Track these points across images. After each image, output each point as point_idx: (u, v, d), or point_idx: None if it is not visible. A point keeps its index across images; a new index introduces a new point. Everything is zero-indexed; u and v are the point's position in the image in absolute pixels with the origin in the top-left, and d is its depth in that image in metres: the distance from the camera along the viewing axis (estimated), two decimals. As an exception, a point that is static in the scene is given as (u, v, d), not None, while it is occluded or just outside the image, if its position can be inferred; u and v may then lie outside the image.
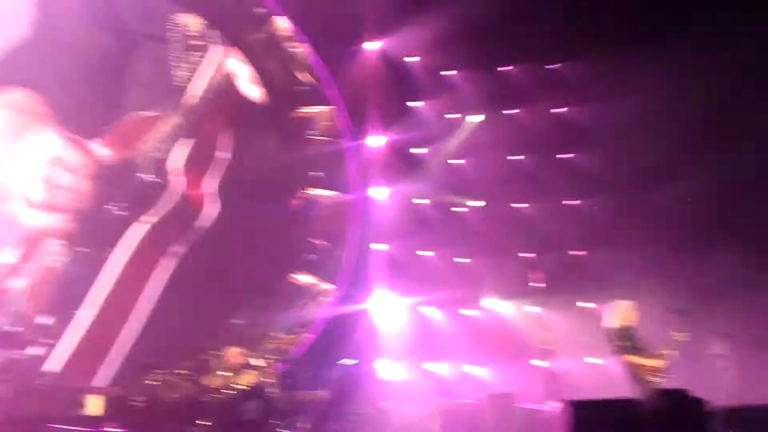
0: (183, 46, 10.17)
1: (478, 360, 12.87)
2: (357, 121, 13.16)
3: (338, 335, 11.36)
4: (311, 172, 13.23)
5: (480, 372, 12.85)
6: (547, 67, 14.21)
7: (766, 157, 10.99)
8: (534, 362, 11.86)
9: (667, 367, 8.05)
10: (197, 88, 10.18)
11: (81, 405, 8.07)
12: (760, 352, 9.80)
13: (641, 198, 13.04)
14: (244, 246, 11.71)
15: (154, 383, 8.12)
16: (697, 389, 6.20)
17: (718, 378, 7.69)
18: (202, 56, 10.42)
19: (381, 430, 8.37)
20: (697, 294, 10.33)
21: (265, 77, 11.78)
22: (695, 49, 11.04)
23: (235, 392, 8.25)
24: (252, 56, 11.23)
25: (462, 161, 14.19)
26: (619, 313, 8.46)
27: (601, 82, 12.98)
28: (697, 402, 6.00)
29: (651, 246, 12.38)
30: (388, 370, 10.98)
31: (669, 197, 12.34)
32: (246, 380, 8.47)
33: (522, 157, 14.38)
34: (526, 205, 14.31)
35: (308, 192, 13.20)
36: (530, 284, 11.54)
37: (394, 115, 13.74)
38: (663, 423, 5.55)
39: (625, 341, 8.22)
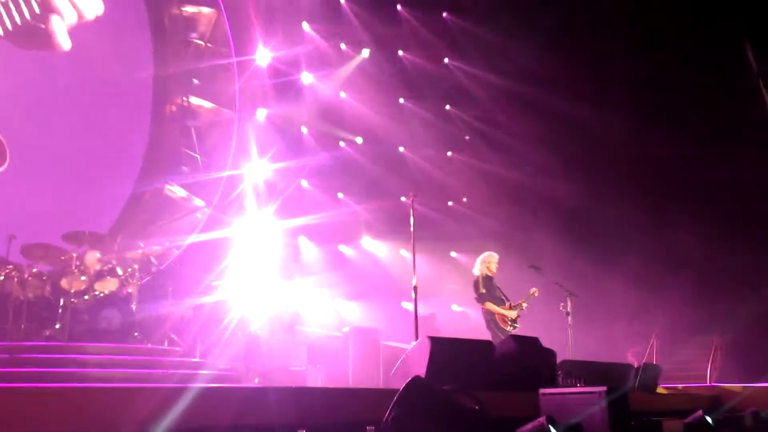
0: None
1: (349, 295, 13.02)
2: (241, 35, 12.47)
3: (208, 254, 11.03)
4: (192, 79, 12.55)
5: (350, 307, 13.01)
6: (444, 16, 14.32)
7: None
8: (404, 304, 12.27)
9: (520, 317, 8.64)
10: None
11: None
12: (603, 315, 10.82)
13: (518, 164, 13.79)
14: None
15: (4, 279, 7.56)
16: (547, 340, 6.72)
17: (565, 333, 8.35)
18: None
19: (250, 354, 8.34)
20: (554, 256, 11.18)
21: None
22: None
23: (94, 298, 7.87)
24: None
25: (345, 96, 13.94)
26: (484, 264, 8.88)
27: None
28: (546, 351, 6.49)
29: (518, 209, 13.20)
30: (257, 295, 10.85)
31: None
32: (107, 287, 8.09)
33: (409, 102, 14.51)
34: (401, 149, 14.48)
35: (187, 100, 12.53)
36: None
37: (282, 36, 13.02)
38: (513, 364, 5.95)
39: (487, 290, 8.68)
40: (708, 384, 9.02)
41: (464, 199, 14.74)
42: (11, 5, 9.61)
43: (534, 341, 6.47)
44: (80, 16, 10.52)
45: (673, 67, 11.42)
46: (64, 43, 10.31)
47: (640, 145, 11.90)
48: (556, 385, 6.26)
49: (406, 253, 13.29)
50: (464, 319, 12.33)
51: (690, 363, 10.58)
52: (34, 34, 9.97)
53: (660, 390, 7.86)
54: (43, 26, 10.00)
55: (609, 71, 12.45)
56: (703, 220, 10.85)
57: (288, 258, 12.14)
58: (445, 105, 14.87)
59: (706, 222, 10.82)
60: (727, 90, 11.24)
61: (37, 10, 9.92)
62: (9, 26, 9.63)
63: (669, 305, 10.64)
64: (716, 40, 10.98)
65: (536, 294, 8.77)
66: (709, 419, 5.71)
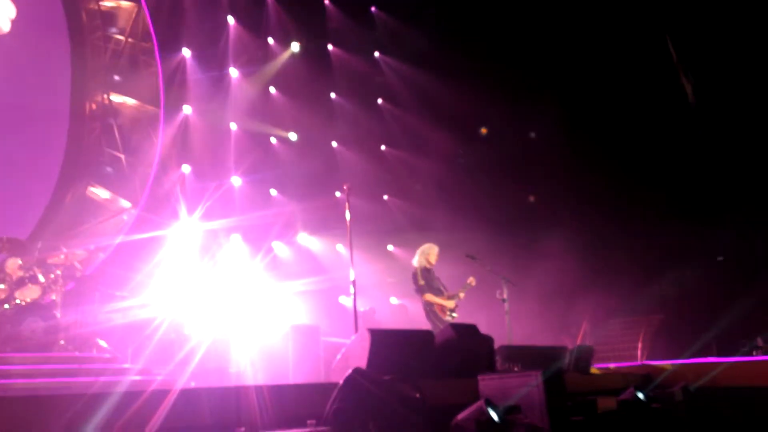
0: None
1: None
2: (164, 29, 12.06)
3: (136, 256, 10.63)
4: (113, 76, 12.06)
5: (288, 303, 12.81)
6: (372, 10, 14.34)
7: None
8: (342, 299, 12.19)
9: (458, 307, 8.71)
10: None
11: None
12: (538, 300, 11.07)
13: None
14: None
15: None
16: (485, 328, 6.79)
17: (502, 319, 8.49)
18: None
19: (179, 353, 8.07)
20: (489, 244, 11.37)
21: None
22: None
23: (16, 307, 7.44)
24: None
25: (275, 91, 13.74)
26: (423, 255, 8.91)
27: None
28: (484, 337, 6.56)
29: (456, 200, 13.36)
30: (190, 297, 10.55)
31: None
32: (28, 294, 7.67)
33: (340, 97, 14.44)
34: (335, 144, 14.41)
35: (108, 98, 12.03)
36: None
37: (207, 31, 12.72)
38: (453, 352, 5.99)
39: (426, 281, 8.72)
40: (639, 362, 9.35)
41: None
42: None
43: (472, 329, 6.52)
44: None
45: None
46: None
47: (557, 126, 12.27)
48: (494, 371, 6.33)
49: (342, 249, 13.22)
50: (403, 311, 12.37)
51: (621, 343, 10.96)
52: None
53: (593, 370, 8.09)
54: None
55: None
56: (629, 201, 11.26)
57: (222, 257, 11.84)
58: (377, 99, 14.88)
59: (632, 202, 11.23)
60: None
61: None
62: None
63: (599, 287, 10.99)
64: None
65: (473, 283, 8.87)
66: (640, 395, 5.91)
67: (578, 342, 10.25)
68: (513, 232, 12.06)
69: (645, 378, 7.49)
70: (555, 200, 12.18)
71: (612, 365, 8.85)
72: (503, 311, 8.52)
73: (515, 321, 8.63)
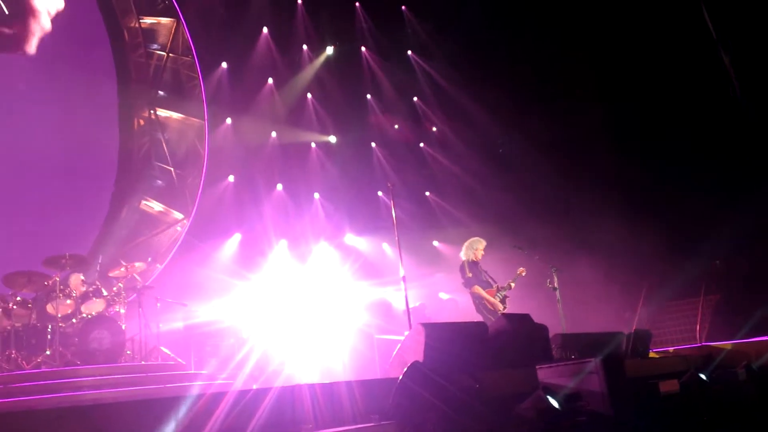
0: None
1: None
2: (203, 43, 12.38)
3: (191, 265, 10.95)
4: (157, 91, 12.42)
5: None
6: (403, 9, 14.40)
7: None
8: (389, 296, 12.26)
9: (507, 298, 8.71)
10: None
11: None
12: (586, 287, 10.96)
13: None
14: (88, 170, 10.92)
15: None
16: (538, 317, 6.79)
17: (554, 308, 8.45)
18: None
19: (238, 357, 8.30)
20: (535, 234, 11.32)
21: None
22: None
23: (82, 320, 7.77)
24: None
25: (311, 96, 13.92)
26: (470, 249, 8.94)
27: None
28: (538, 326, 6.56)
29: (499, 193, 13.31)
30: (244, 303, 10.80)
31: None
32: (93, 308, 8.00)
33: (376, 97, 14.53)
34: (374, 145, 14.52)
35: (155, 113, 12.39)
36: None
37: (243, 43, 13.01)
38: (507, 343, 6.01)
39: (473, 274, 8.75)
40: (698, 344, 9.19)
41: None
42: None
43: (525, 318, 6.53)
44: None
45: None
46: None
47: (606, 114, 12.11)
48: (551, 360, 6.32)
49: (388, 248, 13.33)
50: (453, 305, 12.38)
51: (679, 326, 10.77)
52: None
53: (652, 355, 7.99)
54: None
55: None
56: (678, 183, 11.05)
57: (271, 262, 12.08)
58: (413, 97, 14.93)
59: (681, 184, 11.01)
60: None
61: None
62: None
63: (653, 271, 10.82)
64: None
65: (523, 273, 8.86)
66: (703, 377, 5.84)
67: (634, 327, 10.11)
68: (559, 220, 11.97)
69: (706, 359, 7.37)
70: (602, 186, 12.01)
71: (671, 348, 8.73)
72: (554, 300, 8.48)
73: (567, 309, 8.59)
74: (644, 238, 10.92)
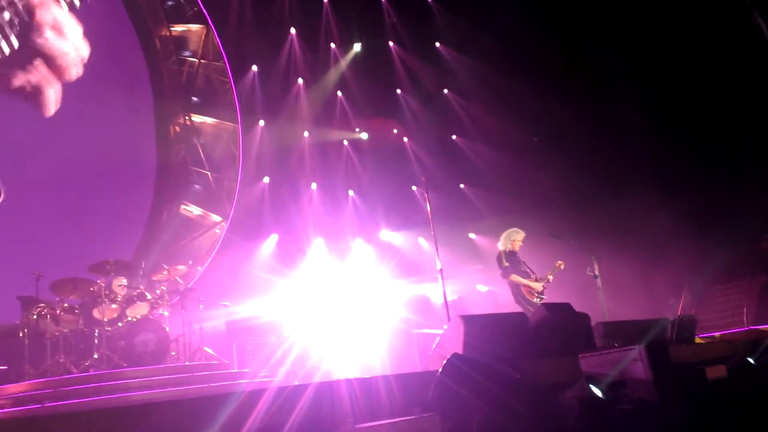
0: None
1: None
2: (233, 47, 12.52)
3: (231, 267, 11.13)
4: (191, 97, 12.61)
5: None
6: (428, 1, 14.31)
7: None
8: (426, 291, 12.24)
9: (546, 289, 8.61)
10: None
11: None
12: (628, 274, 10.76)
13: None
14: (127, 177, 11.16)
15: (37, 318, 7.68)
16: (578, 305, 6.70)
17: (595, 296, 8.33)
18: None
19: (278, 354, 8.41)
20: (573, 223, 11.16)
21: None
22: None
23: (128, 324, 7.97)
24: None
25: (341, 94, 13.96)
26: (508, 239, 8.88)
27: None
28: (580, 315, 6.47)
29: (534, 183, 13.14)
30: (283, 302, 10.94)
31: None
32: (138, 312, 8.20)
33: (405, 92, 14.48)
34: (406, 140, 14.48)
35: (190, 119, 12.60)
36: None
37: (272, 45, 13.15)
38: (548, 332, 5.95)
39: (510, 263, 8.68)
40: (746, 328, 8.94)
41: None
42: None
43: (566, 307, 6.45)
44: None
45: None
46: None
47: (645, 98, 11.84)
48: (594, 348, 6.24)
49: (424, 242, 13.31)
50: (492, 297, 12.30)
51: (724, 310, 10.49)
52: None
53: (698, 341, 7.81)
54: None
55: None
56: (719, 164, 10.77)
57: (309, 261, 12.20)
58: (443, 89, 14.83)
59: (722, 165, 10.73)
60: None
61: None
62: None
63: (695, 255, 10.56)
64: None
65: (562, 267, 8.74)
66: (751, 361, 5.68)
67: (679, 313, 9.89)
68: (597, 207, 11.75)
69: (754, 343, 7.16)
70: (640, 170, 11.77)
71: (717, 334, 8.53)
72: (595, 288, 8.36)
73: (608, 297, 8.45)
74: (686, 222, 10.68)
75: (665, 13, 11.53)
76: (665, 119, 11.69)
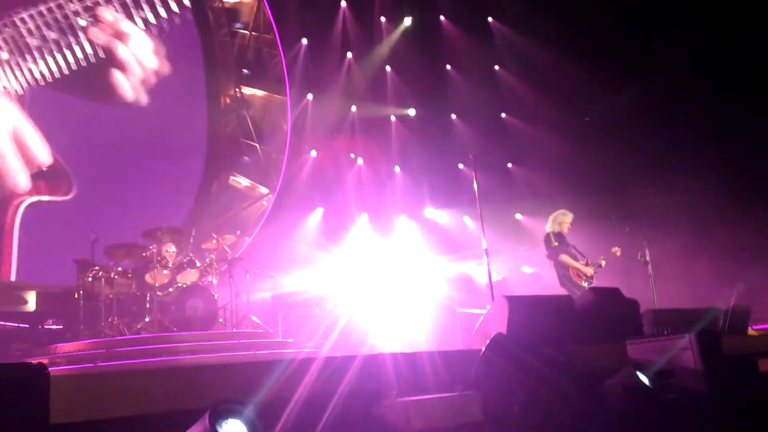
0: None
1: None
2: (283, 19, 12.53)
3: (277, 238, 11.29)
4: (241, 69, 12.71)
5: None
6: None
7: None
8: (470, 270, 12.19)
9: (596, 274, 8.46)
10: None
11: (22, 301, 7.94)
12: (680, 261, 10.50)
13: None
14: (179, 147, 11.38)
15: (92, 280, 7.97)
16: (627, 291, 6.57)
17: (645, 282, 8.16)
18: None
19: (323, 327, 8.54)
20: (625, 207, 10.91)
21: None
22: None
23: (178, 290, 8.19)
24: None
25: (390, 69, 13.83)
26: (556, 222, 8.74)
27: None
28: (629, 301, 6.36)
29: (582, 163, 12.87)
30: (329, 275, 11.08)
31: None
32: (188, 278, 8.41)
33: (456, 68, 14.27)
34: (454, 117, 14.32)
35: (240, 91, 12.72)
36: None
37: (322, 18, 13.08)
38: (595, 317, 5.86)
39: (560, 243, 8.56)
40: (802, 321, 8.64)
41: None
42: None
43: (615, 291, 6.34)
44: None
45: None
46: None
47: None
48: (642, 335, 6.13)
49: (469, 221, 13.22)
50: (537, 279, 12.17)
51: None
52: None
53: (751, 332, 7.59)
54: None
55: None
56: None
57: (354, 235, 12.27)
58: (494, 66, 14.57)
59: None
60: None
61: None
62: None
63: (753, 243, 10.23)
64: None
65: (618, 253, 8.53)
66: (808, 354, 5.50)
67: (732, 302, 9.60)
68: (651, 191, 11.44)
69: (811, 337, 6.94)
70: (696, 153, 11.39)
71: (771, 326, 8.27)
72: (646, 274, 8.18)
73: (659, 283, 8.26)
74: (742, 208, 10.32)
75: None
76: (725, 100, 11.25)
